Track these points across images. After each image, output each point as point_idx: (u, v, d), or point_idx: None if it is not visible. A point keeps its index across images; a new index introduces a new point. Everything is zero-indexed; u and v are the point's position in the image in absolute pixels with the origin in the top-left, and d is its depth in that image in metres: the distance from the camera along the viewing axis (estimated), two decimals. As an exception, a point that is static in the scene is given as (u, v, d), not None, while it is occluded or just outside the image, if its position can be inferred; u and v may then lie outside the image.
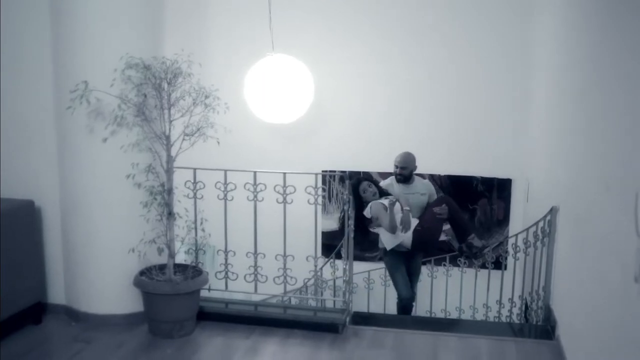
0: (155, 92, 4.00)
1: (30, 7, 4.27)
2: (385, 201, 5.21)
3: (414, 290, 5.62)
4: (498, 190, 6.92)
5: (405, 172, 5.38)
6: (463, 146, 6.92)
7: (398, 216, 5.18)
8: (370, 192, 5.33)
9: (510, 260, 5.55)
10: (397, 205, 5.22)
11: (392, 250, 5.35)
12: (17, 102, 4.37)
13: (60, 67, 4.19)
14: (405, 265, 5.47)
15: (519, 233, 5.35)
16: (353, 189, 5.15)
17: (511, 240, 5.59)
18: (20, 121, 4.39)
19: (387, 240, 5.33)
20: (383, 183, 5.51)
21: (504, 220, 6.97)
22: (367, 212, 5.27)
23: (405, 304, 5.40)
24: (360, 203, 5.28)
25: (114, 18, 4.08)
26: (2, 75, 4.34)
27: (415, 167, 5.45)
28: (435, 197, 5.61)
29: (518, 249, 5.04)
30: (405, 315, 5.41)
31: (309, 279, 4.97)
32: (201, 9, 7.14)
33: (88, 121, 4.04)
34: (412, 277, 5.58)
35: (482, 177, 6.94)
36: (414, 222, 5.27)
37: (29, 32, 4.30)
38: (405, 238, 5.26)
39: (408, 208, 5.22)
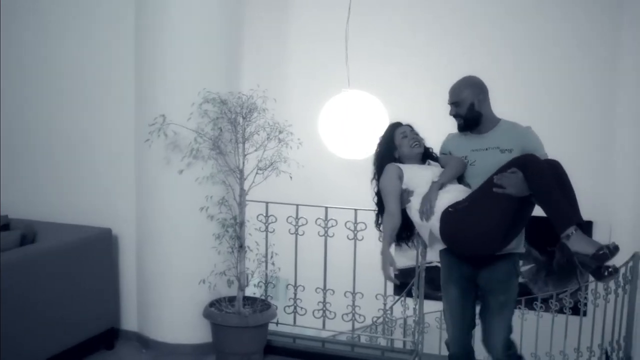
0: (231, 127, 4.07)
1: (116, 42, 4.48)
2: (412, 168, 3.28)
3: (503, 332, 3.19)
4: (578, 232, 6.66)
5: (460, 111, 3.24)
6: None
7: (421, 191, 3.18)
8: (408, 142, 3.33)
9: (589, 307, 5.30)
10: (432, 171, 3.26)
11: (446, 251, 3.31)
12: (101, 133, 4.57)
13: (141, 100, 4.35)
14: (466, 278, 3.25)
15: (600, 278, 5.11)
16: (386, 141, 3.42)
17: (591, 286, 5.35)
18: (102, 152, 4.57)
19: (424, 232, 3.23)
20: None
21: (584, 264, 6.68)
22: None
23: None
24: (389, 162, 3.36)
25: (194, 53, 4.20)
26: (88, 107, 4.56)
27: (476, 99, 3.22)
28: (543, 154, 3.19)
29: (597, 295, 4.81)
30: None
31: (378, 318, 4.88)
32: (278, 45, 7.29)
33: (165, 153, 4.16)
34: (486, 300, 3.20)
35: (561, 219, 6.70)
36: (449, 200, 3.06)
37: (114, 65, 4.49)
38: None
39: (437, 179, 3.14)
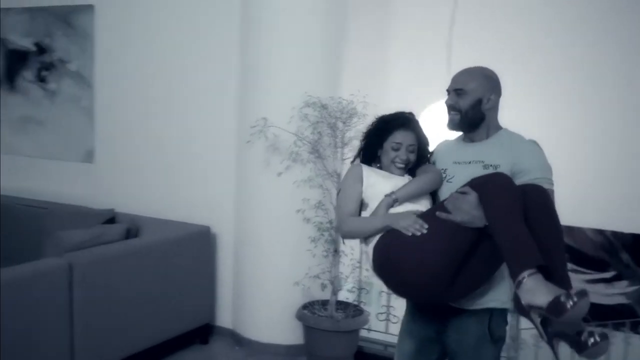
0: (330, 131, 4.08)
1: (221, 47, 4.59)
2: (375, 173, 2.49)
3: None
4: (692, 253, 6.26)
5: (461, 103, 2.39)
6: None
7: (374, 205, 2.41)
8: (392, 158, 2.47)
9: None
10: (396, 184, 2.42)
11: None
12: (205, 134, 4.70)
13: (243, 103, 4.43)
14: (427, 337, 2.50)
15: None
16: (379, 134, 2.56)
17: None
18: (205, 152, 4.70)
19: None
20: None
21: (698, 287, 6.28)
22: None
23: None
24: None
25: (297, 57, 4.24)
26: (193, 109, 4.71)
27: (486, 97, 2.42)
28: (540, 178, 2.28)
29: None
30: None
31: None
32: (379, 50, 7.24)
33: (265, 155, 4.22)
34: None
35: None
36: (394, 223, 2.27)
37: (219, 68, 4.61)
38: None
39: (390, 192, 2.36)
